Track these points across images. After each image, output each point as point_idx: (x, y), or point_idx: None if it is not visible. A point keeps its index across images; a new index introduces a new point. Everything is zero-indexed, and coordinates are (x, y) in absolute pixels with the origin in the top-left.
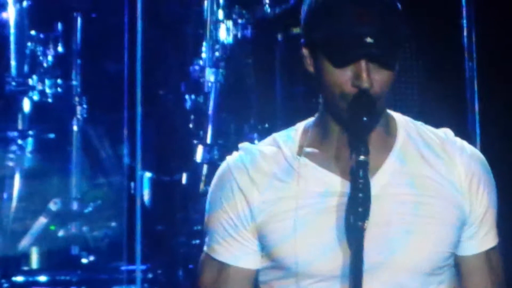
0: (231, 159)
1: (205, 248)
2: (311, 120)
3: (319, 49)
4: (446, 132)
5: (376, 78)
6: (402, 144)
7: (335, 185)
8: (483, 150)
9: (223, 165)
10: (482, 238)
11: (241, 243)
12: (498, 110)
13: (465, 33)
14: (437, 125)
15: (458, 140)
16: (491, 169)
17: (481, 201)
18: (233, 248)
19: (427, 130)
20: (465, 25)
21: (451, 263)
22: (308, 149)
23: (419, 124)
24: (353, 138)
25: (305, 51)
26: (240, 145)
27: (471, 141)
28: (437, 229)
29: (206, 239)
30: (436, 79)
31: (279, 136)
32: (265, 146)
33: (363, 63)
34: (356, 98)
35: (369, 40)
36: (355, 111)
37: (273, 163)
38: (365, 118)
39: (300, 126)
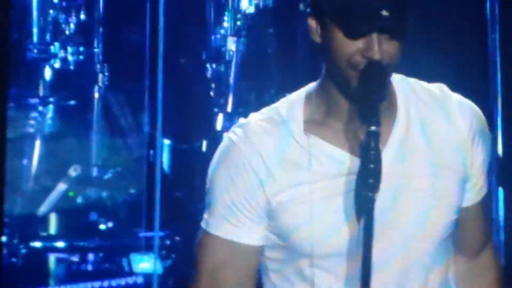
0: (235, 136)
1: (207, 227)
2: (311, 86)
3: (330, 20)
4: (441, 89)
5: (386, 49)
6: (404, 113)
7: (347, 162)
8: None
9: (226, 142)
10: (479, 189)
11: (253, 221)
12: None
13: (488, 5)
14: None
15: (454, 95)
16: None
17: (479, 155)
18: (244, 226)
19: (423, 88)
20: None
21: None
22: (315, 125)
23: (413, 81)
24: (363, 109)
25: (311, 21)
26: (240, 122)
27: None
28: (447, 197)
29: (209, 219)
30: (457, 51)
31: (281, 107)
32: (267, 121)
33: (375, 35)
34: (366, 68)
35: (384, 13)
36: (366, 81)
37: (281, 141)
38: (376, 89)
39: (301, 94)
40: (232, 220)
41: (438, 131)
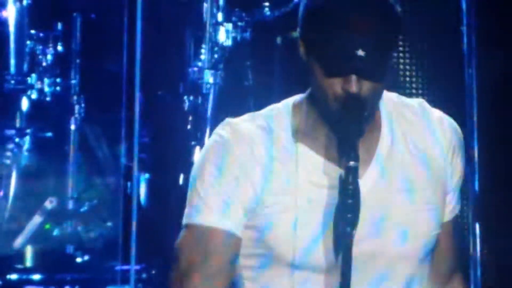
0: (225, 133)
1: (190, 220)
2: (299, 98)
3: (312, 51)
4: (421, 104)
5: (365, 86)
6: (388, 130)
7: (333, 174)
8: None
9: (215, 138)
10: (453, 206)
11: (235, 212)
12: (497, 118)
13: (465, 40)
14: None
15: (435, 111)
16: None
17: (457, 171)
18: (226, 214)
19: (404, 104)
20: (465, 32)
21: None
22: (304, 135)
23: (394, 97)
24: (342, 143)
25: (300, 42)
26: (227, 121)
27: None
28: (429, 214)
29: (192, 211)
30: (435, 86)
31: (267, 116)
32: (255, 127)
33: (353, 76)
34: (346, 102)
35: (360, 53)
36: (345, 117)
37: (270, 148)
38: (355, 126)
39: (288, 104)
40: (216, 208)
41: (420, 146)
